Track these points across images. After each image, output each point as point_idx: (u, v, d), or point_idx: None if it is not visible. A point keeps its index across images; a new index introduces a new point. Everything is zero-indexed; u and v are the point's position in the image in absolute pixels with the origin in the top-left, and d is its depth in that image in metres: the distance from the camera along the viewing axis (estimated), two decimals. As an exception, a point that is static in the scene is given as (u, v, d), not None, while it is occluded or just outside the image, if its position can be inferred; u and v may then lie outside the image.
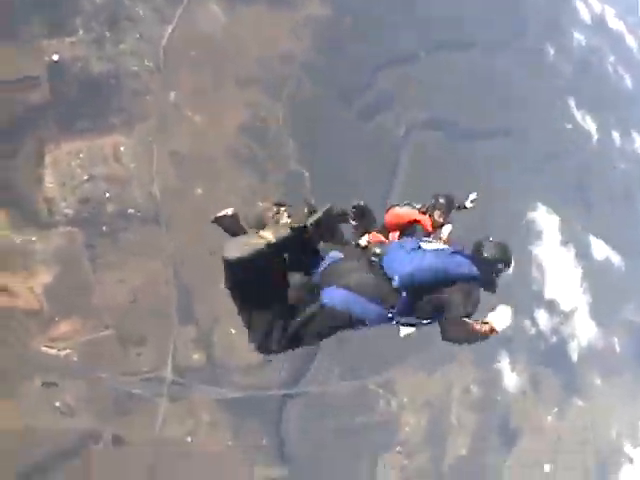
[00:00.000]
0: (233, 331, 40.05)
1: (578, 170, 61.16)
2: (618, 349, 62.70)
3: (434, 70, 51.85)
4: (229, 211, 6.96)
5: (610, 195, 63.70)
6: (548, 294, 58.61)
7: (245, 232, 6.64)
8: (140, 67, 42.40)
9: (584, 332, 60.23)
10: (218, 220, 6.93)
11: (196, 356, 40.41)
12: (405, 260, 6.14)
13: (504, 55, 56.82)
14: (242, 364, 40.48)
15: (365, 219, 8.18)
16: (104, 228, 39.74)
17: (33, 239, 38.54)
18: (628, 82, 69.60)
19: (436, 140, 51.80)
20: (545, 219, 58.73)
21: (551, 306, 58.72)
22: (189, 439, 40.09)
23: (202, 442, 40.28)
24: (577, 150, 62.17)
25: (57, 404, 37.70)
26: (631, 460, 63.12)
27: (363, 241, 7.23)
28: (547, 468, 53.34)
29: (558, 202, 57.99)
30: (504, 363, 52.68)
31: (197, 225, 39.01)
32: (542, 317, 57.93)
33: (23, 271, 38.15)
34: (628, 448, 62.72)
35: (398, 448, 45.52)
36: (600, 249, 62.43)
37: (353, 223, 8.11)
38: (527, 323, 56.34)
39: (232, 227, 6.76)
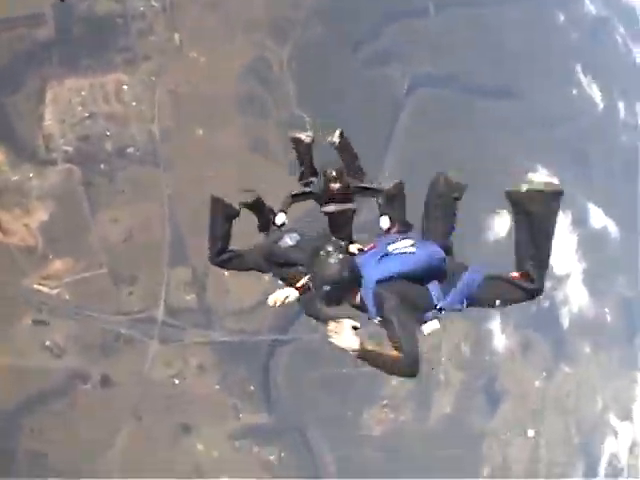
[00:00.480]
0: (226, 274, 40.22)
1: (581, 137, 61.06)
2: (609, 320, 63.21)
3: (443, 26, 51.59)
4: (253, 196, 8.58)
5: (611, 166, 63.75)
6: None
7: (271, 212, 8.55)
8: (146, 7, 42.26)
9: (576, 299, 60.78)
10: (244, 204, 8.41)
11: (188, 298, 40.75)
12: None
13: (513, 15, 56.34)
14: (234, 308, 40.97)
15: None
16: (102, 166, 39.82)
17: (30, 176, 38.61)
18: (636, 56, 69.22)
19: (439, 97, 51.72)
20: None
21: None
22: (176, 381, 40.49)
23: (189, 385, 40.98)
24: (581, 116, 62.02)
25: (47, 343, 38.01)
26: (615, 433, 64.00)
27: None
28: (531, 433, 54.08)
29: (558, 166, 57.92)
30: (495, 324, 53.12)
31: (196, 166, 39.25)
32: None
33: (19, 208, 38.21)
34: (613, 420, 63.46)
35: (384, 402, 45.87)
36: (598, 217, 62.62)
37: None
38: None
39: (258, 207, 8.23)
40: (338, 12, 47.09)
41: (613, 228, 63.76)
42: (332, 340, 5.72)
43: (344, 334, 5.66)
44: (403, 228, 8.44)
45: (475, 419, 50.48)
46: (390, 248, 6.13)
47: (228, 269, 9.10)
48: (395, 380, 45.88)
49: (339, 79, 46.47)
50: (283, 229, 8.79)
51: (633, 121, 67.56)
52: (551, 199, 6.29)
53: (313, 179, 9.47)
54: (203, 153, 41.43)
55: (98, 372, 38.98)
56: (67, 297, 38.83)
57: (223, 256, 8.71)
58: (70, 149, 40.00)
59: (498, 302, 6.34)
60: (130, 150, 40.60)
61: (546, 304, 57.61)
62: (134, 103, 41.21)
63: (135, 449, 39.61)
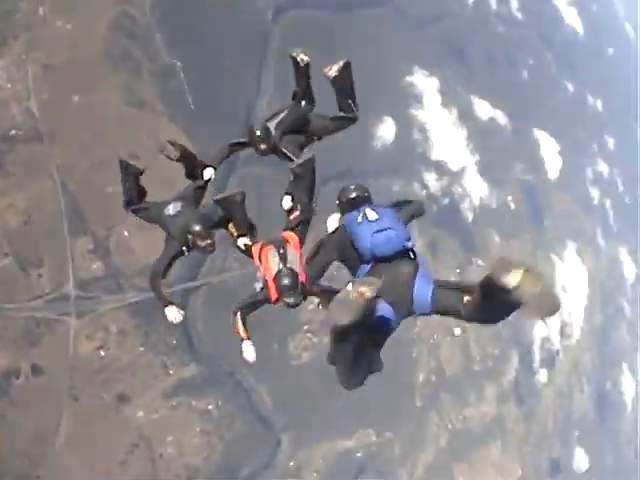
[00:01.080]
0: (126, 233, 41.10)
1: (455, 34, 61.97)
2: (513, 207, 64.92)
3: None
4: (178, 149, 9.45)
5: (490, 57, 64.84)
6: (435, 156, 59.98)
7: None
8: (7, -14, 41.03)
9: (476, 191, 62.28)
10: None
11: (95, 266, 40.44)
12: None
13: None
14: (141, 266, 40.56)
15: None
16: (-12, 154, 38.91)
17: None
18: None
19: (306, 17, 52.28)
20: (423, 82, 59.74)
21: (439, 167, 60.22)
22: (102, 353, 40.49)
23: (115, 353, 40.98)
24: (453, 14, 62.79)
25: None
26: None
27: None
28: (457, 331, 55.93)
29: (436, 65, 58.88)
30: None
31: (79, 134, 38.84)
32: (431, 179, 59.44)
33: None
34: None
35: (305, 327, 46.77)
36: (484, 109, 63.76)
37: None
38: (416, 186, 57.95)
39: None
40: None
41: (502, 118, 64.99)
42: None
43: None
44: (304, 214, 9.08)
45: (400, 328, 51.54)
46: (366, 209, 7.25)
47: (138, 217, 9.99)
48: (312, 304, 46.60)
49: (204, 20, 46.20)
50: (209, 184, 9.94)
51: (506, 10, 68.51)
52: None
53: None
54: (83, 119, 40.77)
55: (27, 363, 38.44)
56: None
57: (133, 207, 9.91)
58: (-52, 142, 38.97)
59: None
60: (13, 132, 39.65)
61: (446, 201, 59.00)
62: (9, 85, 40.10)
63: (80, 432, 39.47)
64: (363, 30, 54.40)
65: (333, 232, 7.79)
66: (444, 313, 6.73)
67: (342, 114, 9.98)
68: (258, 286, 8.71)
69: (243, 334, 8.83)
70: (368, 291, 5.84)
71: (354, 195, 7.84)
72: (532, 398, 63.78)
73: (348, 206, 7.62)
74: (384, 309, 6.56)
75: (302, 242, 8.88)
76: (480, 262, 59.06)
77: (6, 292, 38.40)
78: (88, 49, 42.42)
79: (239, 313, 8.85)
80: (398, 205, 8.01)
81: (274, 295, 8.31)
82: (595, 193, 77.45)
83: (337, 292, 6.13)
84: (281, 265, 8.24)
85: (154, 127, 42.64)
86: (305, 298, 8.41)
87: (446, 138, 60.62)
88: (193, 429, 43.10)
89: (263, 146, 9.37)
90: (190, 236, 8.73)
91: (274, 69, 49.20)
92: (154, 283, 9.36)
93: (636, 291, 79.93)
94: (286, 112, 9.88)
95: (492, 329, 59.13)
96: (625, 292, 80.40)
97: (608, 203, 78.97)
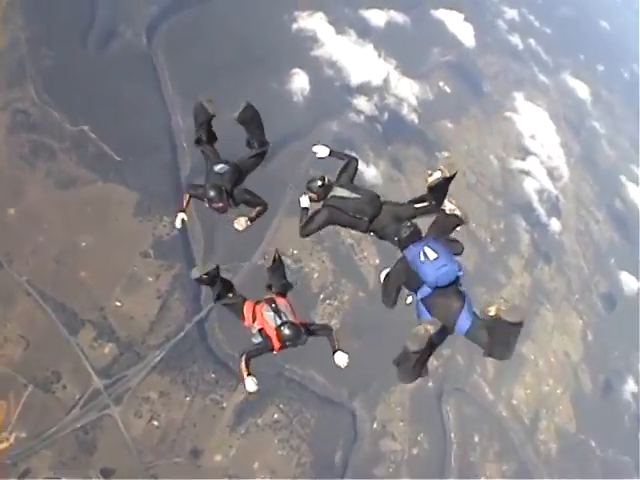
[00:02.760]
0: (118, 304, 40.52)
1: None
2: (448, 90, 64.43)
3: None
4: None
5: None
6: (354, 81, 59.62)
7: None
8: None
9: (408, 93, 62.07)
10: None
11: (107, 350, 39.79)
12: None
13: None
14: (146, 326, 40.85)
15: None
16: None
17: None
18: None
19: (175, 24, 52.60)
20: (310, 22, 59.28)
21: (363, 89, 59.84)
22: (155, 423, 39.97)
23: (166, 417, 40.44)
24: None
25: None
26: (527, 173, 66.63)
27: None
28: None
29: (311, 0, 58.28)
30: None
31: (29, 240, 40.38)
32: (362, 103, 59.01)
33: None
34: (516, 164, 66.16)
35: (321, 297, 46.52)
36: (377, 17, 63.08)
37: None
38: (352, 117, 57.69)
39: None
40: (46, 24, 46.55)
41: (398, 16, 64.59)
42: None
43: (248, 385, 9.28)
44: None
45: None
46: (425, 248, 8.45)
47: (203, 154, 10.54)
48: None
49: (89, 77, 46.22)
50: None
51: None
52: None
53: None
54: (27, 224, 40.85)
55: (96, 471, 37.73)
56: (24, 434, 37.38)
57: (200, 146, 10.54)
58: None
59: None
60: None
61: (386, 116, 59.42)
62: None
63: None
64: (231, 8, 54.12)
65: (397, 264, 8.88)
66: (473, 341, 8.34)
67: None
68: (256, 340, 9.65)
69: (245, 374, 9.29)
70: (432, 329, 8.00)
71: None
72: (556, 250, 63.94)
73: (408, 242, 8.74)
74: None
75: (285, 298, 10.34)
76: (445, 153, 59.14)
77: (43, 418, 37.72)
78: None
79: (244, 358, 9.39)
80: (446, 239, 9.10)
81: (277, 345, 9.28)
82: (516, 39, 77.07)
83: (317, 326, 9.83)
84: (277, 319, 9.47)
85: (95, 196, 42.19)
86: (308, 335, 9.49)
87: (356, 60, 60.07)
88: (272, 444, 42.71)
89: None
90: (206, 198, 9.71)
91: (171, 84, 49.19)
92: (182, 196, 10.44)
93: (597, 109, 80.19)
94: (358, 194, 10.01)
95: (486, 206, 59.17)
96: (589, 112, 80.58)
97: (533, 42, 78.69)
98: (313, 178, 9.90)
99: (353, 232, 10.42)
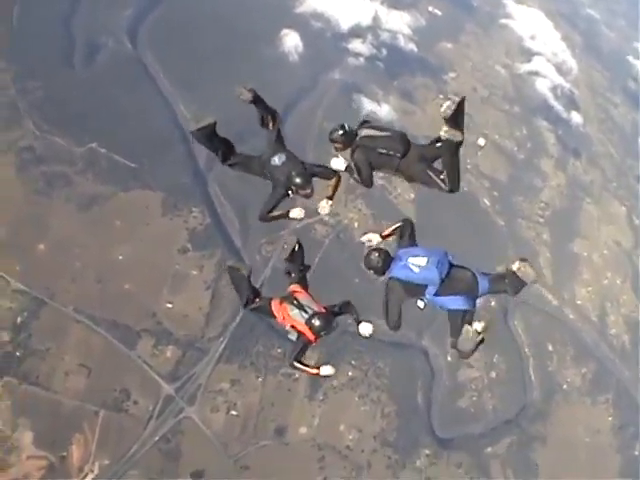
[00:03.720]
0: (170, 305, 39.88)
1: None
2: (439, 12, 63.33)
3: None
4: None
5: None
6: (344, 26, 58.45)
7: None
8: None
9: (400, 24, 60.74)
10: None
11: (169, 353, 39.18)
12: None
13: None
14: (202, 321, 40.25)
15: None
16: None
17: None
18: None
19: (155, 22, 51.74)
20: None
21: (355, 32, 58.68)
22: (234, 412, 39.46)
23: (243, 403, 39.87)
24: None
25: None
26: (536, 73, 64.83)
27: None
28: (481, 142, 53.52)
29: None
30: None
31: (66, 270, 39.49)
32: (358, 46, 57.76)
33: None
34: (525, 67, 64.34)
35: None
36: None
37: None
38: (351, 61, 56.39)
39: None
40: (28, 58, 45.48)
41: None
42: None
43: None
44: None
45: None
46: (410, 260, 8.43)
47: (235, 170, 10.04)
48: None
49: (89, 97, 45.32)
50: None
51: None
52: None
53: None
54: (58, 258, 39.88)
55: (186, 477, 37.39)
56: (106, 461, 36.68)
57: (228, 162, 9.86)
58: None
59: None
60: (19, 320, 38.17)
61: (384, 52, 58.12)
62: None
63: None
64: None
65: (389, 288, 8.67)
66: (496, 293, 8.70)
67: (439, 179, 9.30)
68: (293, 337, 9.39)
69: (315, 372, 9.34)
70: (480, 327, 8.14)
71: None
72: (583, 143, 62.33)
73: (385, 268, 8.62)
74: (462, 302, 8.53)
75: (306, 287, 10.13)
76: (451, 75, 57.60)
77: (122, 439, 37.19)
78: (18, 209, 40.47)
79: (297, 364, 9.32)
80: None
81: (312, 337, 9.17)
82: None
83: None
84: (304, 314, 9.30)
85: (120, 207, 42.07)
86: (336, 322, 9.43)
87: (341, 6, 58.55)
88: (353, 402, 41.93)
89: (337, 146, 9.32)
90: (293, 186, 9.29)
91: (166, 79, 48.23)
92: (264, 220, 9.84)
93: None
94: (386, 134, 9.38)
95: (504, 116, 57.67)
96: (580, 1, 79.35)
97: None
98: (334, 128, 9.29)
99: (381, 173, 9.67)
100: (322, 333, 9.12)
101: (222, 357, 40.04)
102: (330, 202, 9.74)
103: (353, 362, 42.81)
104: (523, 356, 47.99)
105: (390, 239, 9.26)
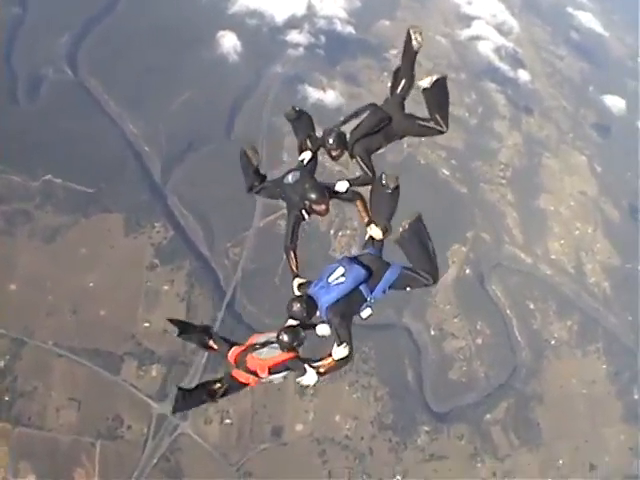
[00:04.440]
0: (147, 324, 39.38)
1: None
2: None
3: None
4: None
5: None
6: (280, 20, 57.67)
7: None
8: None
9: (334, 9, 60.19)
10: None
11: (154, 372, 38.76)
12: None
13: None
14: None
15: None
16: None
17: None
18: None
19: (97, 41, 50.96)
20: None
21: (291, 23, 57.99)
22: (228, 421, 39.06)
23: (236, 411, 39.63)
24: None
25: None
26: (477, 37, 64.29)
27: None
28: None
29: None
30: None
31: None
32: (295, 37, 57.06)
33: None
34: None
35: (331, 232, 44.43)
36: None
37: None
38: (292, 53, 55.70)
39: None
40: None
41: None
42: (303, 383, 8.17)
43: (308, 378, 8.11)
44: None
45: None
46: (330, 280, 8.08)
47: (261, 196, 9.84)
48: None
49: (36, 131, 44.49)
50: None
51: None
52: None
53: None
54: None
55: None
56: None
57: (254, 189, 9.66)
58: None
59: (408, 289, 8.26)
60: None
61: (323, 40, 56.73)
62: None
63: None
64: (135, 6, 53.22)
65: (336, 312, 8.26)
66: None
67: (431, 124, 9.17)
68: (281, 375, 8.66)
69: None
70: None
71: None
72: (533, 100, 62.67)
73: (314, 313, 8.28)
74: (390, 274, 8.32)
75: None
76: (393, 52, 56.00)
77: (123, 466, 36.71)
78: None
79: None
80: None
81: (293, 354, 8.46)
82: None
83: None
84: (272, 345, 8.56)
85: (83, 234, 41.77)
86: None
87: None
88: (344, 392, 41.62)
89: (335, 153, 9.00)
90: (307, 202, 8.89)
91: (111, 99, 47.52)
92: (287, 255, 9.17)
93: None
94: (366, 115, 9.20)
95: (451, 84, 56.84)
96: None
97: None
98: (327, 135, 8.95)
99: (334, 161, 9.35)
100: (295, 344, 8.47)
101: (207, 367, 39.24)
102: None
103: (367, 349, 42.85)
104: (506, 318, 47.71)
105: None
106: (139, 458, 36.90)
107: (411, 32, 8.78)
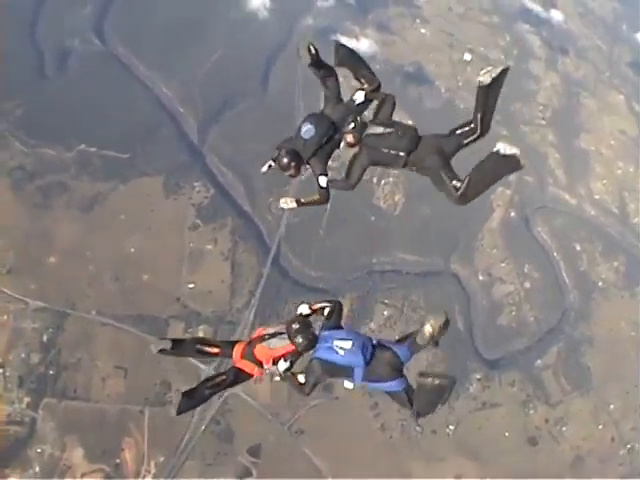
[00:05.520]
0: (191, 285, 39.06)
1: None
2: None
3: None
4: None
5: None
6: None
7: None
8: None
9: None
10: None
11: (201, 334, 37.62)
12: None
13: None
14: (225, 293, 39.58)
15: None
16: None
17: None
18: None
19: (122, 9, 48.75)
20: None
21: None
22: (277, 379, 37.69)
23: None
24: None
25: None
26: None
27: None
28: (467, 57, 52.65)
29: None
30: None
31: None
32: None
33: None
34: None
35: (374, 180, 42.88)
36: None
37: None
38: (321, 4, 53.56)
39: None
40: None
41: None
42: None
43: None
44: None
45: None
46: (335, 342, 8.02)
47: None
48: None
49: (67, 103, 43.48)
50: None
51: None
52: None
53: None
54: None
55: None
56: (162, 458, 36.31)
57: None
58: None
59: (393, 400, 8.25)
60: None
61: None
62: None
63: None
64: None
65: (311, 366, 8.20)
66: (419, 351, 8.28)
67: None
68: (283, 367, 8.48)
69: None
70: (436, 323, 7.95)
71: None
72: (568, 40, 59.52)
73: (310, 348, 8.27)
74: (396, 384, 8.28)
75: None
76: None
77: (172, 432, 36.62)
78: (21, 230, 39.16)
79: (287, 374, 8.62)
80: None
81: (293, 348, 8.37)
82: None
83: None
84: (280, 337, 8.56)
85: (122, 201, 41.00)
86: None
87: None
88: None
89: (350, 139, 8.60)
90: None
91: (140, 64, 46.04)
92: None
93: None
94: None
95: (485, 28, 55.66)
96: None
97: None
98: (346, 121, 8.65)
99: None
100: (306, 344, 8.23)
101: (254, 325, 38.43)
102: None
103: (386, 300, 41.73)
104: (553, 261, 46.41)
105: (316, 315, 8.78)
106: (189, 422, 36.53)
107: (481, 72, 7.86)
